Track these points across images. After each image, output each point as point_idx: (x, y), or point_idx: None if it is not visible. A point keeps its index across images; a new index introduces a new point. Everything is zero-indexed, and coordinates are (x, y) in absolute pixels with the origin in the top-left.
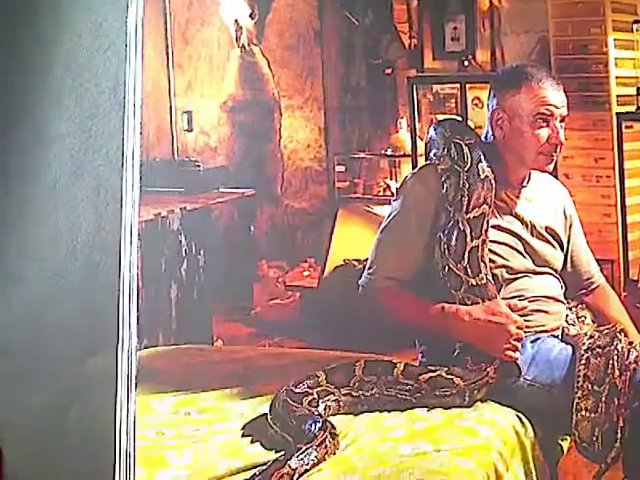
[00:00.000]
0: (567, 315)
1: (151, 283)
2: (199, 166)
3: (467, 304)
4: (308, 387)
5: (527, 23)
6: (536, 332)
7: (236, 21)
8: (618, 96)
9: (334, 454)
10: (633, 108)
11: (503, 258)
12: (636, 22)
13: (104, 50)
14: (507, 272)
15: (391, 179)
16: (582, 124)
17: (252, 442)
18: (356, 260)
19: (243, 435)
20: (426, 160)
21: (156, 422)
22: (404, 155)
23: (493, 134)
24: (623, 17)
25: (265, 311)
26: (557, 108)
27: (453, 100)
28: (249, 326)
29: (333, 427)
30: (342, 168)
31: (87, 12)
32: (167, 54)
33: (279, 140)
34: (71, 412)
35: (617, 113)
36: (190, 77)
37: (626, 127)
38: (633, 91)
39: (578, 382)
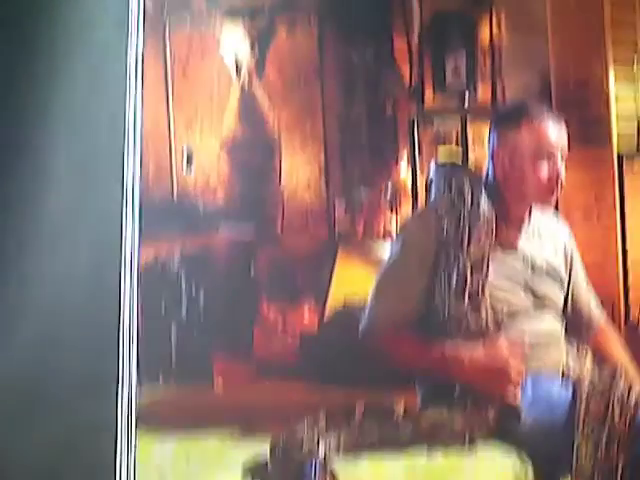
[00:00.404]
0: (568, 355)
1: (151, 324)
2: (199, 206)
3: (467, 345)
4: (309, 427)
5: (528, 59)
6: (536, 373)
7: (236, 59)
8: (619, 133)
9: None
10: (634, 145)
11: (504, 298)
12: (637, 57)
13: (103, 90)
14: (508, 312)
15: (392, 218)
16: (583, 161)
17: None
18: (356, 300)
19: (243, 477)
20: (426, 199)
21: (157, 464)
22: (404, 194)
23: (494, 171)
24: (624, 52)
25: (265, 352)
26: (557, 145)
27: (454, 137)
28: (249, 367)
29: (333, 468)
30: (342, 207)
31: (86, 53)
32: (167, 91)
33: (279, 179)
34: (71, 455)
35: (618, 150)
36: (190, 115)
37: (627, 164)
38: (634, 128)
39: (578, 423)
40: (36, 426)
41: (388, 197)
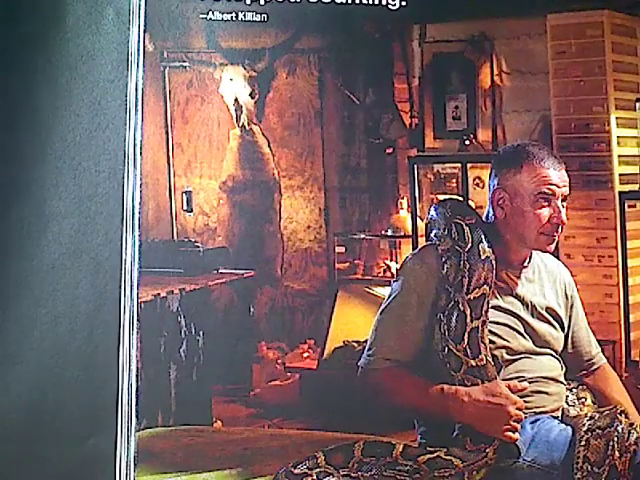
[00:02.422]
0: (567, 396)
1: (150, 364)
2: (198, 247)
3: (467, 385)
4: (307, 468)
5: (529, 102)
6: (536, 413)
7: (236, 100)
8: (621, 175)
9: None
10: (636, 187)
11: (503, 339)
12: (638, 100)
13: (103, 129)
14: (507, 353)
15: (391, 260)
16: (584, 203)
17: None
18: (356, 341)
19: None
20: (427, 240)
21: None
22: (405, 236)
23: (494, 214)
24: (625, 95)
25: (264, 392)
26: (559, 187)
27: (454, 180)
28: (248, 407)
29: None
30: (342, 249)
31: (86, 90)
32: (166, 133)
33: (279, 221)
34: None
35: (620, 192)
36: (189, 156)
37: (629, 206)
38: (636, 170)
39: (578, 463)
40: (36, 467)
41: (388, 239)
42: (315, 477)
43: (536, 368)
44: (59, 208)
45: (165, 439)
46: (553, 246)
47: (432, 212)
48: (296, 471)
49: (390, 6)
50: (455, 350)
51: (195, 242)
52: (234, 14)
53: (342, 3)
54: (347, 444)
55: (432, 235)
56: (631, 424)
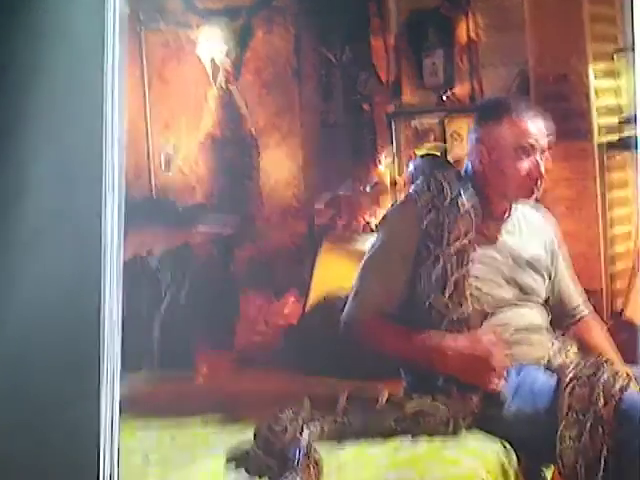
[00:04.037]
0: (552, 345)
1: (133, 322)
2: (178, 204)
3: (451, 335)
4: (293, 414)
5: (506, 56)
6: (521, 362)
7: (213, 60)
8: (600, 126)
9: None
10: (615, 138)
11: (486, 290)
12: (617, 51)
13: (81, 91)
14: (491, 303)
15: (371, 215)
16: (564, 154)
17: (236, 468)
18: (338, 294)
19: (227, 461)
20: (406, 195)
21: (141, 448)
22: (384, 191)
23: (473, 167)
24: (603, 46)
25: (247, 346)
26: (538, 140)
27: (432, 134)
28: (232, 361)
29: (317, 454)
30: (322, 204)
31: (63, 56)
32: (144, 94)
33: (258, 177)
34: (55, 444)
35: (599, 143)
36: (168, 116)
37: (609, 157)
38: (615, 121)
39: (563, 411)
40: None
41: (367, 194)
42: (300, 423)
43: (521, 318)
44: (39, 171)
45: (149, 387)
46: (533, 198)
47: (411, 167)
48: (282, 417)
49: None
50: (438, 302)
51: (174, 200)
52: None
53: None
54: (333, 391)
55: (411, 189)
56: (615, 372)
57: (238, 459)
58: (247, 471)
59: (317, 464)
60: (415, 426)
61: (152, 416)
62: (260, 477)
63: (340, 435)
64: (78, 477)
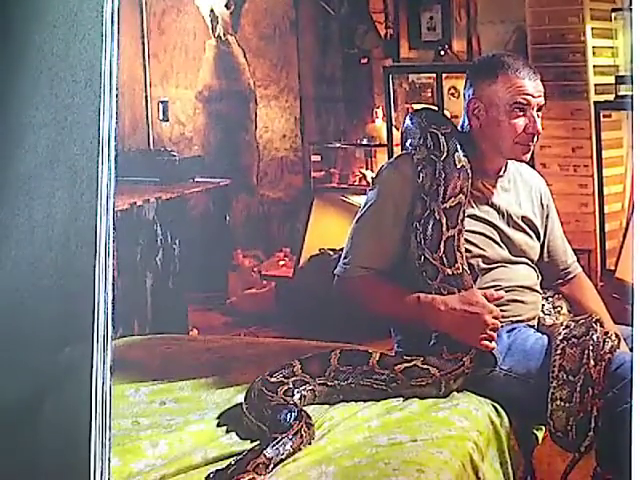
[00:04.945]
0: (543, 305)
1: (127, 272)
2: (175, 156)
3: (443, 294)
4: (283, 377)
5: (503, 12)
6: (512, 322)
7: (212, 11)
8: (596, 85)
9: (309, 444)
10: (611, 97)
11: (479, 248)
12: (614, 10)
13: (79, 40)
14: (483, 262)
15: (367, 169)
16: (560, 113)
17: (227, 431)
18: (332, 249)
19: (218, 424)
20: (402, 150)
21: (131, 411)
22: (380, 145)
23: (469, 124)
24: (601, 5)
25: (240, 300)
26: (534, 97)
27: (429, 89)
28: (224, 315)
29: (308, 417)
30: (318, 158)
31: (62, 1)
32: (142, 44)
33: (255, 130)
34: (46, 401)
35: (595, 102)
36: (166, 67)
37: (604, 116)
38: (611, 80)
39: (553, 372)
40: (10, 373)
41: (363, 148)
42: (291, 385)
43: (512, 277)
44: (36, 118)
45: (141, 347)
46: (528, 155)
47: (407, 121)
48: (272, 379)
49: None
50: (431, 259)
51: (171, 151)
52: None
53: None
54: (324, 352)
55: (407, 144)
56: (606, 333)
57: (229, 422)
58: (238, 435)
59: (308, 427)
60: (406, 387)
61: (143, 377)
62: (251, 441)
63: (331, 397)
64: (69, 442)
